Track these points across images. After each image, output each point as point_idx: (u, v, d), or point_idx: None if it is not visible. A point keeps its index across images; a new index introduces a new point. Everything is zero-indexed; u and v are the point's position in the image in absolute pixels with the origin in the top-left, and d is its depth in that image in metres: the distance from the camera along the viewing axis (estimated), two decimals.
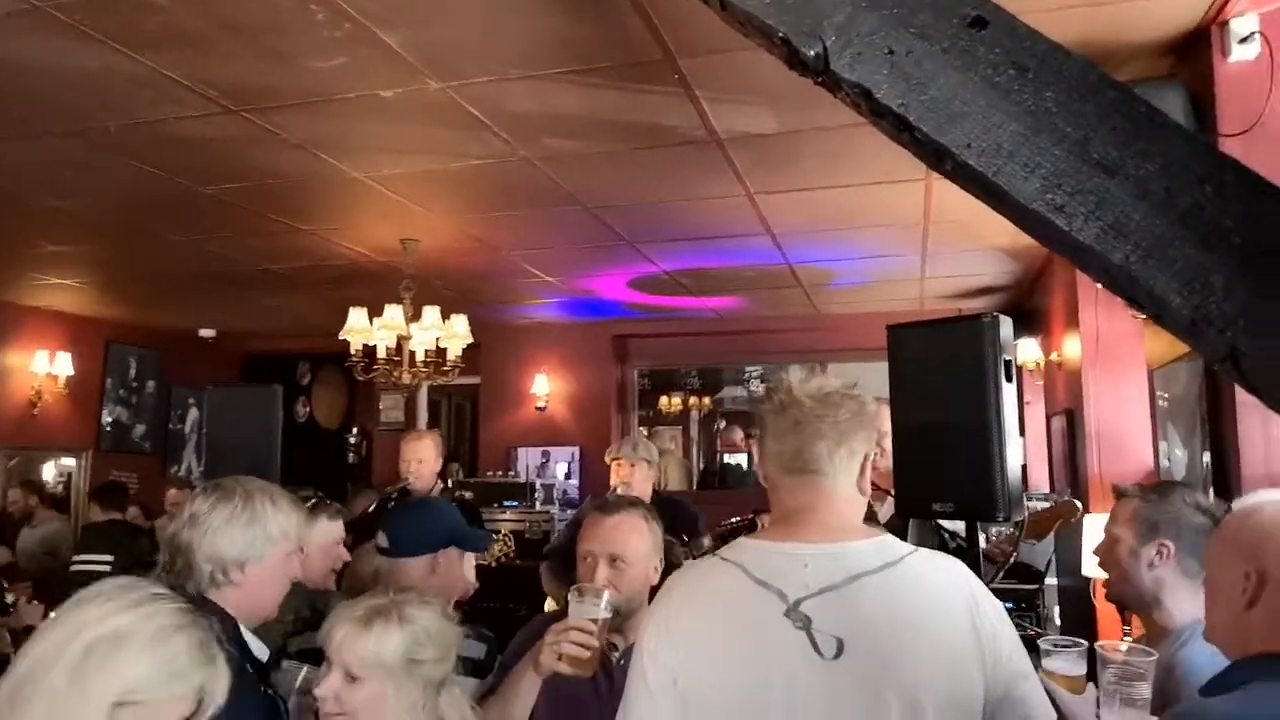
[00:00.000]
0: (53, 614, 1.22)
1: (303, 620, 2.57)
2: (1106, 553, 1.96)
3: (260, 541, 1.71)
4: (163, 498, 6.22)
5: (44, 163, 3.95)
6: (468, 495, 4.59)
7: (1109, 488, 4.19)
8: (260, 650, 1.77)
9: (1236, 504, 1.53)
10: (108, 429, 7.97)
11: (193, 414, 8.60)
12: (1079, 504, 3.22)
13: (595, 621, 1.83)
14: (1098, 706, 1.57)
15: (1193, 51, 2.82)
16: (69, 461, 7.64)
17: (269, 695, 1.70)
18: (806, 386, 1.50)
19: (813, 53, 1.27)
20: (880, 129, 1.32)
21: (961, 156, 1.22)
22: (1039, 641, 1.68)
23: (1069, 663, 1.66)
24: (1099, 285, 4.11)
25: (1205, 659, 1.57)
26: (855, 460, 1.48)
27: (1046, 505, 4.24)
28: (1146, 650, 1.60)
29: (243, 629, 1.73)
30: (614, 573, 2.00)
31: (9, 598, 3.62)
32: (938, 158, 1.27)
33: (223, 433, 4.04)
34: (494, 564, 2.77)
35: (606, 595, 1.87)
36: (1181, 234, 1.15)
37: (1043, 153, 1.19)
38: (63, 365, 7.36)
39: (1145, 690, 1.53)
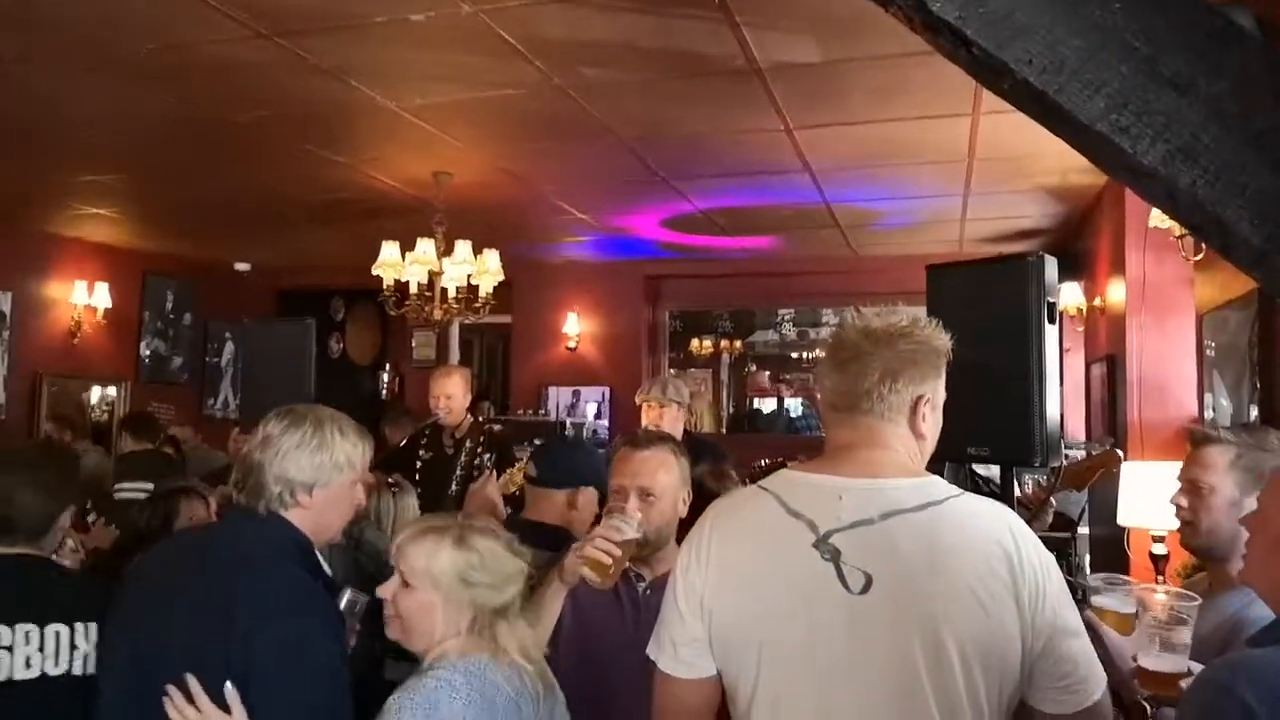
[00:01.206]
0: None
1: (339, 549, 2.62)
2: (1197, 503, 1.83)
3: (327, 468, 1.76)
4: (200, 432, 6.50)
5: (77, 89, 3.93)
6: (497, 428, 4.61)
7: (1149, 437, 4.13)
8: (329, 570, 1.85)
9: None
10: (146, 360, 8.10)
11: (229, 348, 8.69)
12: (1121, 454, 3.15)
13: (621, 534, 1.89)
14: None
15: None
16: (111, 391, 7.78)
17: (339, 614, 1.78)
18: (866, 323, 1.48)
19: None
20: (934, 45, 1.24)
21: (1021, 74, 1.15)
22: (1090, 578, 1.65)
23: (1118, 600, 1.63)
24: (1149, 226, 3.96)
25: None
26: (904, 398, 1.45)
27: (1083, 455, 4.17)
28: (1189, 595, 1.56)
29: (316, 550, 1.80)
30: (644, 505, 2.05)
31: (90, 517, 3.72)
32: (995, 76, 1.20)
33: (257, 367, 4.08)
34: (518, 492, 2.79)
35: (637, 517, 1.94)
36: (1255, 158, 1.08)
37: (1109, 70, 1.11)
38: (101, 296, 7.45)
39: (1186, 635, 1.50)
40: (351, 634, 1.89)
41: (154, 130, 4.49)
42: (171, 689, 1.53)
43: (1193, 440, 1.90)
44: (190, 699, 1.53)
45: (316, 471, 1.75)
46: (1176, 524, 1.92)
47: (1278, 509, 1.34)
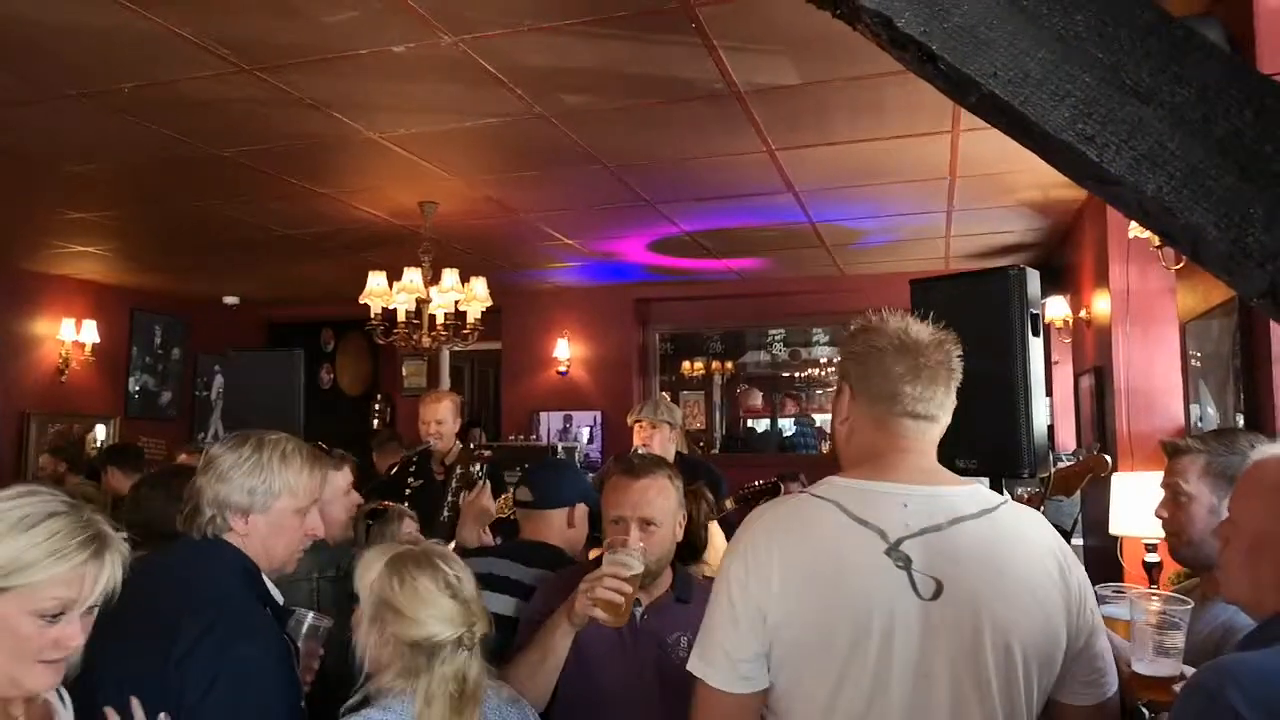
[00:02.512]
0: None
1: (327, 580, 2.59)
2: (1177, 513, 1.84)
3: (260, 492, 1.71)
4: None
5: (62, 127, 3.94)
6: (487, 453, 4.60)
7: (1138, 446, 4.14)
8: (278, 596, 1.79)
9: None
10: (135, 396, 8.06)
11: (218, 381, 8.66)
12: (1108, 458, 3.17)
13: (630, 569, 1.88)
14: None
15: None
16: (100, 428, 7.74)
17: (285, 639, 1.72)
18: (919, 329, 1.49)
19: None
20: (902, 61, 1.26)
21: (987, 87, 1.17)
22: (1095, 588, 1.66)
23: (1124, 609, 1.63)
24: (1130, 237, 3.98)
25: None
26: (952, 407, 1.50)
27: (1073, 463, 4.18)
28: (1182, 599, 1.57)
29: (265, 576, 1.75)
30: (644, 535, 2.04)
31: None
32: (962, 90, 1.21)
33: (245, 399, 4.07)
34: (513, 515, 2.79)
35: (641, 549, 1.93)
36: (1219, 163, 1.09)
37: (1072, 80, 1.13)
38: (89, 333, 7.43)
39: (1179, 639, 1.50)
40: (314, 658, 1.86)
41: (140, 166, 4.50)
42: (108, 710, 1.46)
43: (1166, 451, 1.91)
44: None
45: (250, 496, 1.70)
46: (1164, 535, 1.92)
47: (1248, 514, 1.35)
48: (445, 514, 4.11)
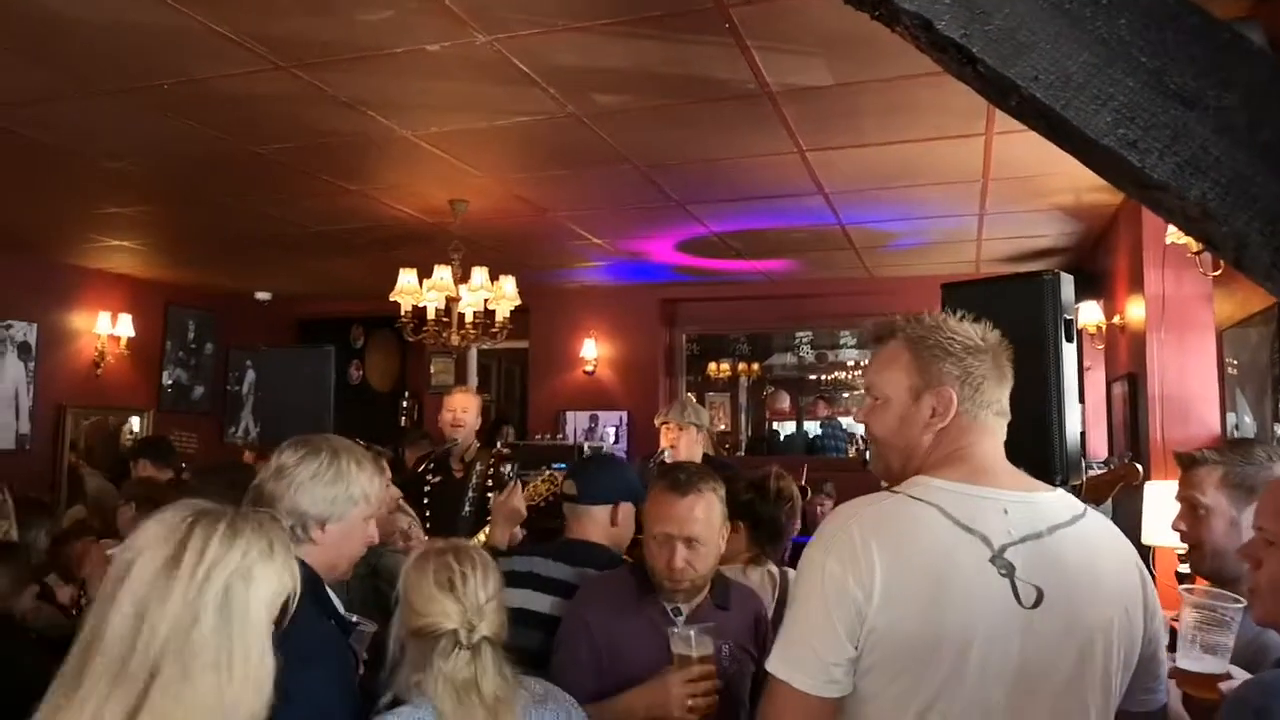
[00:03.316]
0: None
1: (357, 578, 2.61)
2: (1196, 526, 1.82)
3: (342, 501, 1.72)
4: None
5: (99, 123, 4.01)
6: (505, 452, 4.61)
7: (1172, 454, 4.08)
8: (341, 608, 1.80)
9: None
10: (168, 389, 8.17)
11: (250, 376, 8.76)
12: (1140, 467, 3.13)
13: (707, 660, 1.88)
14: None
15: None
16: (134, 421, 7.85)
17: (350, 652, 1.73)
18: (985, 330, 1.51)
19: None
20: (941, 64, 1.25)
21: (1028, 90, 1.16)
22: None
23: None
24: (1166, 243, 3.93)
25: None
26: None
27: (1105, 471, 4.13)
28: (1235, 597, 1.53)
29: (326, 586, 1.75)
30: (690, 553, 2.05)
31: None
32: (1002, 93, 1.20)
33: (275, 394, 4.11)
34: (542, 503, 2.80)
35: (709, 634, 1.92)
36: (1264, 169, 1.08)
37: (1115, 84, 1.12)
38: (124, 327, 7.54)
39: (1227, 638, 1.48)
40: (359, 662, 1.86)
41: (176, 163, 4.57)
42: None
43: (1181, 463, 1.89)
44: None
45: (332, 505, 1.70)
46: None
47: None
48: (467, 509, 4.14)
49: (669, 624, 2.04)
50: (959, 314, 1.52)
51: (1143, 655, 1.43)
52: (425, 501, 4.09)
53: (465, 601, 1.65)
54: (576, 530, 2.42)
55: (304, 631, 1.58)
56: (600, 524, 2.40)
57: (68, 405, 7.20)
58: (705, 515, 2.07)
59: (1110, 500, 3.60)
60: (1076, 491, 2.87)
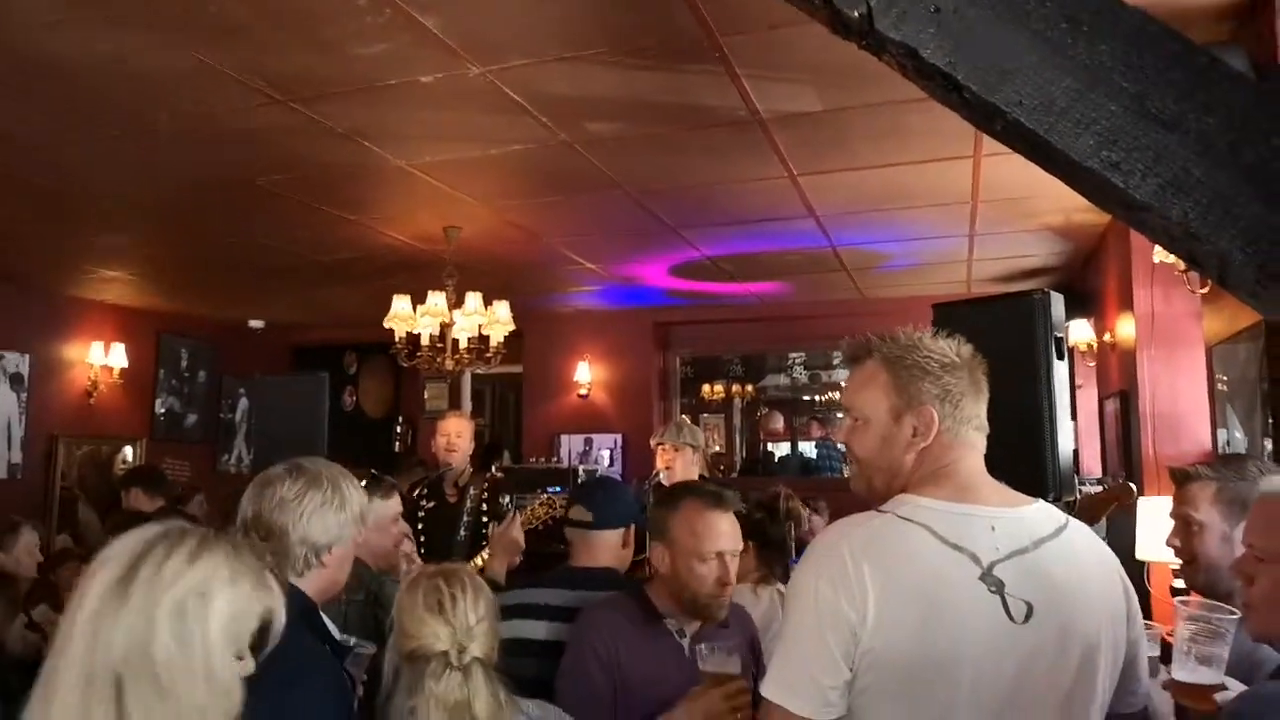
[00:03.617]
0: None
1: (356, 604, 2.60)
2: (1190, 541, 1.84)
3: (348, 524, 1.74)
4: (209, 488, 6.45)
5: (96, 156, 4.03)
6: (499, 474, 4.61)
7: (1164, 470, 4.10)
8: (336, 632, 1.80)
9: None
10: (161, 418, 8.15)
11: (243, 404, 8.76)
12: (1134, 487, 3.14)
13: (738, 677, 1.88)
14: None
15: (1254, 14, 2.73)
16: (127, 450, 7.83)
17: (347, 673, 1.73)
18: (959, 346, 1.51)
19: (856, 13, 1.24)
20: (928, 91, 1.28)
21: (1013, 115, 1.19)
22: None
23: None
24: (1155, 261, 3.97)
25: None
26: None
27: (1099, 489, 4.15)
28: (1230, 609, 1.55)
29: (321, 613, 1.76)
30: (732, 563, 2.11)
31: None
32: (988, 118, 1.23)
33: (270, 422, 4.09)
34: (540, 526, 2.80)
35: (737, 651, 1.92)
36: (1246, 190, 1.11)
37: (1098, 109, 1.15)
38: (117, 356, 7.54)
39: (1221, 650, 1.49)
40: (357, 684, 1.85)
41: (171, 194, 4.59)
42: None
43: (1174, 479, 1.90)
44: None
45: (340, 530, 1.72)
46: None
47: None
48: (461, 534, 4.13)
49: (678, 647, 2.04)
50: (933, 331, 1.53)
51: (1125, 659, 1.45)
52: (420, 527, 4.08)
53: (455, 623, 1.64)
54: (585, 556, 2.39)
55: (288, 653, 1.56)
56: (612, 548, 2.39)
57: (60, 435, 7.18)
58: (738, 529, 2.15)
59: (1104, 519, 3.61)
60: (1070, 509, 2.89)
